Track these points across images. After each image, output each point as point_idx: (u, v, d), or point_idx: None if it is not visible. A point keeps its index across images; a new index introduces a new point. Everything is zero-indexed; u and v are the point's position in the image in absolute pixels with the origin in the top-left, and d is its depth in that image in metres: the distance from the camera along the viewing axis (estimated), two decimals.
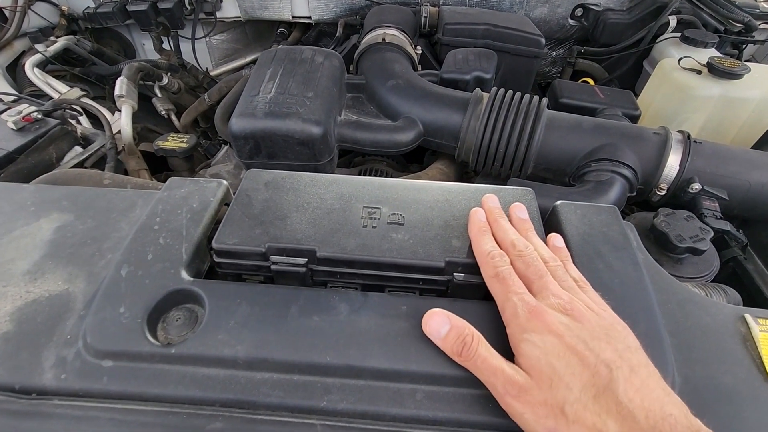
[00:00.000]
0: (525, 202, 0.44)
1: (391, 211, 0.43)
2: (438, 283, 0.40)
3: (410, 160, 0.94)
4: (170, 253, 0.40)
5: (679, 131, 0.64)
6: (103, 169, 0.71)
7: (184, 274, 0.38)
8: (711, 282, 0.50)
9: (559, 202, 0.47)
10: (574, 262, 0.41)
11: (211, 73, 1.22)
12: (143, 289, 0.37)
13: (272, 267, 0.39)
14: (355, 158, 0.90)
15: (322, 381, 0.33)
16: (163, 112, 1.08)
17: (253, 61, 1.19)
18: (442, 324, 0.34)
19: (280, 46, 0.79)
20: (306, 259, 0.39)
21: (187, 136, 0.82)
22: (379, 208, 0.43)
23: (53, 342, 0.36)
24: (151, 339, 0.35)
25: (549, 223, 0.46)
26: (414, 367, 0.34)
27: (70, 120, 0.73)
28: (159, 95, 1.08)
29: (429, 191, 0.45)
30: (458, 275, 0.38)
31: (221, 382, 0.33)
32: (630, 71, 1.01)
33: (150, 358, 0.34)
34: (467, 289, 0.39)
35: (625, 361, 0.30)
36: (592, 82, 0.99)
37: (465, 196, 0.45)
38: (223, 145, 0.95)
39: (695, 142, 0.61)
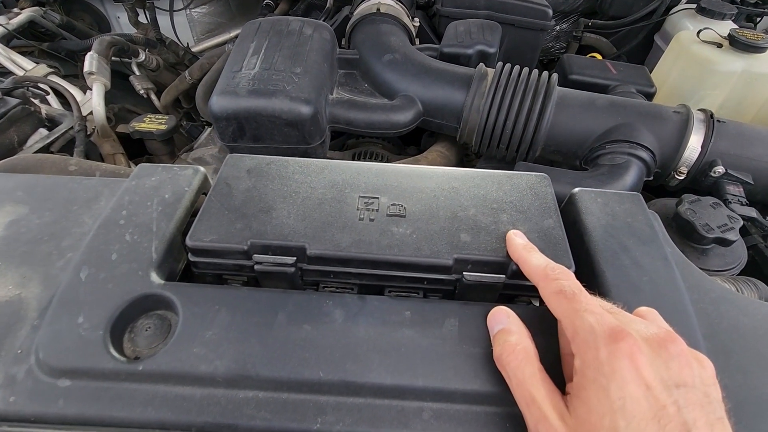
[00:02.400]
0: (540, 189, 0.40)
1: (391, 202, 0.38)
2: (445, 282, 0.35)
3: (407, 143, 0.88)
4: (138, 252, 0.35)
5: (700, 110, 0.59)
6: (72, 154, 0.65)
7: (155, 277, 0.33)
8: (738, 275, 0.46)
9: (577, 190, 0.42)
10: (596, 258, 0.36)
11: (193, 50, 1.14)
12: (106, 295, 0.32)
13: (256, 267, 0.34)
14: (348, 140, 0.84)
15: (315, 399, 0.29)
16: (141, 92, 1.00)
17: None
18: (498, 321, 0.31)
19: (266, 18, 0.72)
20: (295, 258, 0.34)
21: (166, 117, 0.76)
22: (377, 198, 0.38)
23: (1, 357, 0.31)
24: (114, 353, 0.30)
25: (566, 212, 0.41)
26: (420, 383, 0.29)
27: (33, 99, 0.66)
28: (137, 73, 1.01)
29: (433, 178, 0.40)
30: (468, 274, 0.34)
31: (197, 403, 0.29)
32: (640, 46, 0.95)
33: (114, 375, 0.29)
34: (478, 289, 0.35)
35: None
36: (599, 57, 0.93)
37: (473, 184, 0.40)
38: (206, 127, 0.89)
39: (719, 121, 0.56)
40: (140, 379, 0.29)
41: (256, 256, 0.34)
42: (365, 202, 0.37)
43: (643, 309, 0.30)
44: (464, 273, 0.34)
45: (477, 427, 0.29)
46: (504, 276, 0.34)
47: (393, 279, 0.35)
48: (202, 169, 0.42)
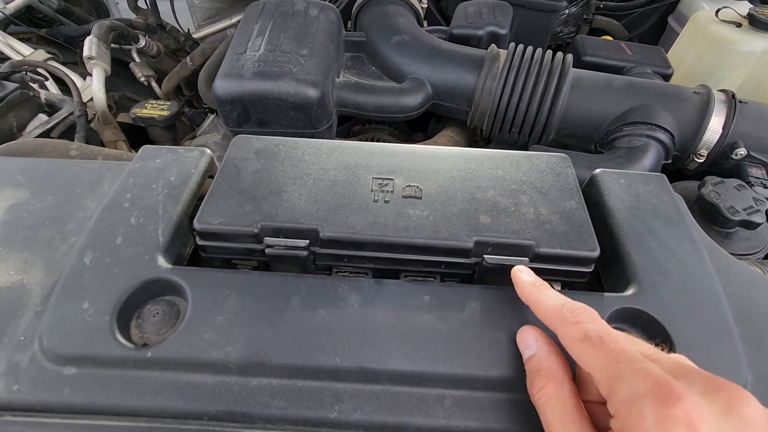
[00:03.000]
0: (561, 170, 0.38)
1: (406, 183, 0.36)
2: (463, 266, 0.34)
3: (414, 129, 0.86)
4: (144, 236, 0.33)
5: (721, 90, 0.57)
6: (72, 140, 0.63)
7: (162, 261, 0.32)
8: (763, 259, 0.44)
9: (598, 170, 0.40)
10: (621, 241, 0.35)
11: (194, 36, 1.11)
12: (112, 280, 0.31)
13: (267, 251, 0.33)
14: (354, 127, 0.82)
15: (332, 387, 0.28)
16: (142, 79, 0.98)
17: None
18: (527, 345, 0.28)
19: None
20: (307, 241, 0.32)
21: (168, 103, 0.74)
22: (392, 179, 0.36)
23: (4, 345, 0.29)
24: (122, 340, 0.29)
25: (588, 194, 0.40)
26: (441, 369, 0.28)
27: (32, 84, 0.64)
28: (137, 60, 0.98)
29: (448, 159, 0.39)
30: (489, 257, 0.32)
31: (209, 391, 0.28)
32: (652, 28, 0.93)
33: (122, 363, 0.28)
34: (499, 273, 0.33)
35: None
36: (610, 39, 0.91)
37: (491, 164, 0.38)
38: (209, 114, 0.87)
39: (740, 102, 0.54)
40: (149, 366, 0.28)
41: (267, 240, 0.32)
42: (379, 184, 0.36)
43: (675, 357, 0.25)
44: (485, 256, 0.32)
45: (501, 415, 0.27)
46: (527, 259, 0.32)
47: (409, 263, 0.34)
48: (208, 151, 0.41)
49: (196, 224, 0.33)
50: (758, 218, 0.42)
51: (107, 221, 0.34)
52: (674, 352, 0.29)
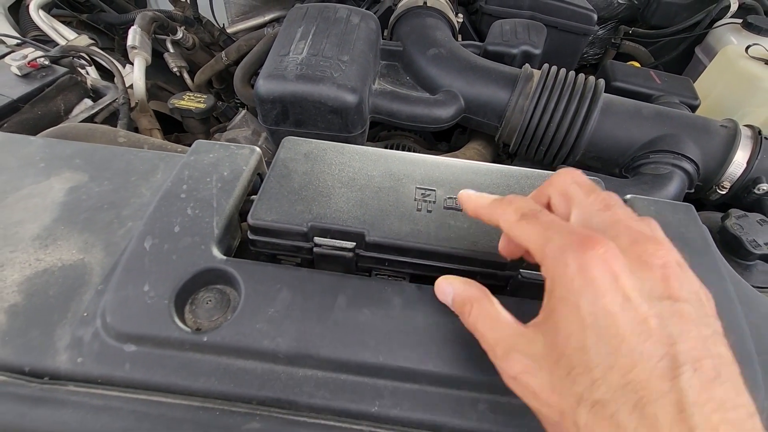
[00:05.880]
0: None
1: (447, 195, 0.38)
2: (497, 278, 0.35)
3: (438, 138, 0.88)
4: (200, 227, 0.35)
5: (747, 125, 0.58)
6: (114, 126, 0.65)
7: (216, 252, 0.34)
8: None
9: (629, 196, 0.42)
10: None
11: (228, 31, 1.14)
12: (170, 266, 0.33)
13: (315, 249, 0.34)
14: (380, 132, 0.84)
15: (373, 383, 0.30)
16: (175, 69, 1.01)
17: (274, 21, 1.11)
18: (445, 292, 0.31)
19: (312, 3, 0.72)
20: (354, 243, 0.34)
21: (205, 96, 0.76)
22: (434, 191, 0.38)
23: (68, 319, 0.31)
24: (179, 323, 0.31)
25: None
26: (478, 375, 0.30)
27: (80, 69, 0.67)
28: (171, 50, 1.01)
29: (487, 174, 0.41)
30: (525, 272, 0.34)
31: (259, 378, 0.29)
32: (678, 58, 0.94)
33: (179, 344, 0.30)
34: (532, 288, 0.35)
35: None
36: (637, 65, 0.92)
37: (528, 183, 0.40)
38: (240, 109, 0.89)
39: (766, 138, 0.56)
40: (204, 350, 0.30)
41: (317, 239, 0.34)
42: (422, 194, 0.38)
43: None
44: (520, 270, 0.34)
45: (536, 423, 0.29)
46: None
47: (447, 271, 0.35)
48: (258, 149, 0.43)
49: (251, 220, 0.34)
50: None
51: (165, 209, 0.36)
52: None
